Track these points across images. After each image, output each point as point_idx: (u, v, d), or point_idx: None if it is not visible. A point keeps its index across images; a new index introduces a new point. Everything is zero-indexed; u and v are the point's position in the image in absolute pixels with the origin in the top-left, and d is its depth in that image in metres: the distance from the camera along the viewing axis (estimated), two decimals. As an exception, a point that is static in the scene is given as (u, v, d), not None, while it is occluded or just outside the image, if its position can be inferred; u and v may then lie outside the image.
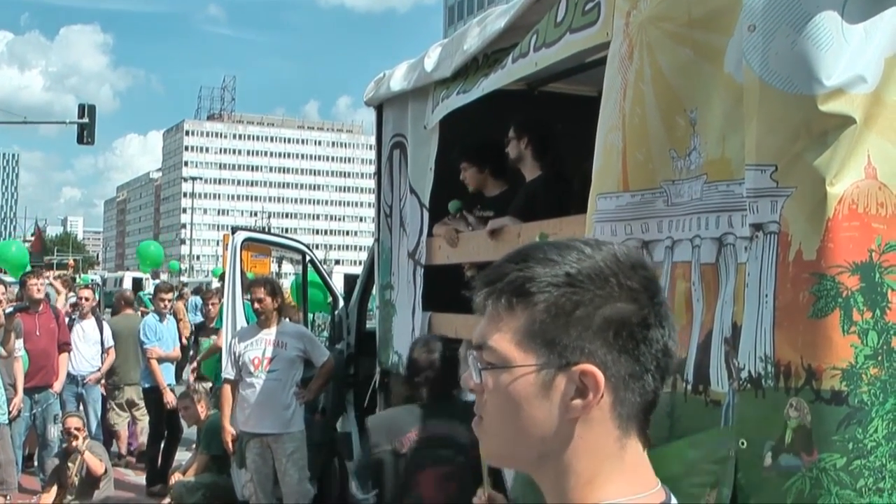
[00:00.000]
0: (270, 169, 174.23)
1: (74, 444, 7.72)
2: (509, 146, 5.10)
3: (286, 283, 13.67)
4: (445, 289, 5.05)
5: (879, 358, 2.42)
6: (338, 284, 8.98)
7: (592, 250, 1.18)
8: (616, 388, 1.15)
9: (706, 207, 2.85)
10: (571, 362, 1.14)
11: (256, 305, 6.72)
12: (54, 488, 7.81)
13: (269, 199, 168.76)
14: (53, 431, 8.57)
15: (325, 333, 9.01)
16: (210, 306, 9.76)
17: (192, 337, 10.46)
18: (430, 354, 4.50)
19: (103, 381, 10.19)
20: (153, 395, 9.39)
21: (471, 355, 1.23)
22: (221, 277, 10.72)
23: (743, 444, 2.59)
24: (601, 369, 1.14)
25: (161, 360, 9.44)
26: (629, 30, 3.15)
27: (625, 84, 3.17)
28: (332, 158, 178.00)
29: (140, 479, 9.71)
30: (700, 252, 2.89)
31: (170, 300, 10.26)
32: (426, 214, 5.50)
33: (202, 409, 8.01)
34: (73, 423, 7.85)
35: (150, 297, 12.21)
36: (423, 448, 4.29)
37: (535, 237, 4.36)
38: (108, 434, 10.31)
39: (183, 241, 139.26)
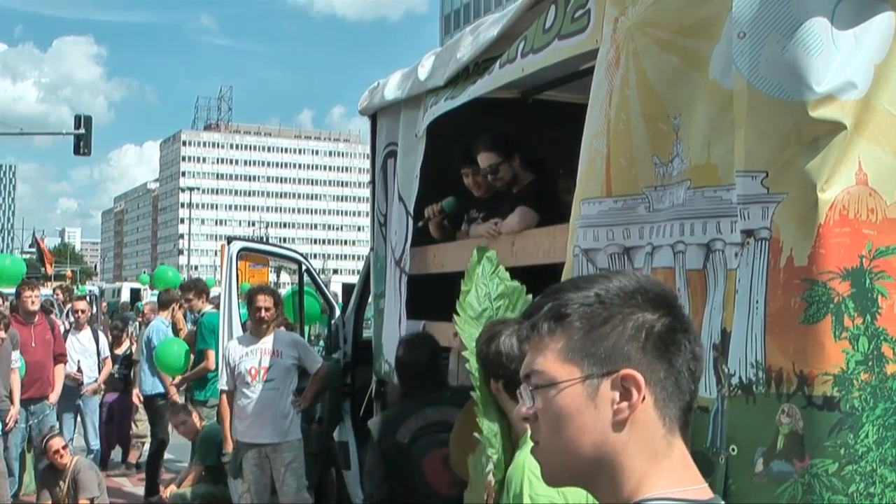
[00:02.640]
0: (268, 178, 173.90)
1: (63, 462, 7.68)
2: (500, 171, 5.01)
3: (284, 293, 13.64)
4: (442, 297, 5.04)
5: (870, 363, 2.42)
6: (337, 294, 8.95)
7: (617, 277, 1.34)
8: (655, 389, 1.27)
9: (690, 213, 2.85)
10: (612, 369, 1.26)
11: (265, 314, 6.65)
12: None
13: (267, 208, 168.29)
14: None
15: (321, 344, 8.98)
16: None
17: None
18: (411, 351, 4.85)
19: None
20: (153, 403, 9.39)
21: (522, 386, 1.34)
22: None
23: (734, 450, 2.59)
24: (639, 372, 1.26)
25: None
26: (616, 36, 3.15)
27: (610, 90, 3.17)
28: (330, 168, 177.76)
29: (136, 489, 9.71)
30: (685, 258, 2.88)
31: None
32: (411, 222, 5.47)
33: (198, 421, 7.98)
34: (56, 443, 7.72)
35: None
36: (423, 436, 4.59)
37: (534, 242, 4.36)
38: (105, 444, 10.30)
39: (181, 252, 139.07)
